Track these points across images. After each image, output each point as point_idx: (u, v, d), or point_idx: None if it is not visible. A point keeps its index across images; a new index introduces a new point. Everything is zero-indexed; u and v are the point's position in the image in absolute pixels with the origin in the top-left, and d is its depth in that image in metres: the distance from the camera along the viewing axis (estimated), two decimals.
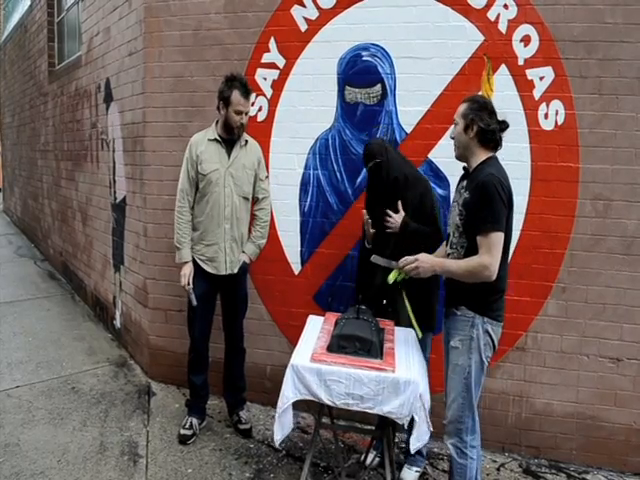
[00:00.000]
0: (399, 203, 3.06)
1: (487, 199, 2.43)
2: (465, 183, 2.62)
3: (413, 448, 2.52)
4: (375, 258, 2.83)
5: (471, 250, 2.51)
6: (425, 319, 3.08)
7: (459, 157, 2.67)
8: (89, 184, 6.02)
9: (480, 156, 2.58)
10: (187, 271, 3.44)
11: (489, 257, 2.42)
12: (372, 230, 3.14)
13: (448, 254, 2.70)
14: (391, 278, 2.74)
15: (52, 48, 7.88)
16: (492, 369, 3.56)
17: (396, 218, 3.05)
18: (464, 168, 2.71)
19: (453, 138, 2.67)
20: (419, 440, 2.50)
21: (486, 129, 2.53)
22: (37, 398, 3.99)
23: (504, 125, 2.60)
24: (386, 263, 2.78)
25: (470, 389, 2.56)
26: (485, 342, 2.56)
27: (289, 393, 2.54)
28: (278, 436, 2.58)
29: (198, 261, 3.47)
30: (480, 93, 3.43)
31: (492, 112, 2.57)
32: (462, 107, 2.61)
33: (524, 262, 3.48)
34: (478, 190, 2.46)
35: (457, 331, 2.61)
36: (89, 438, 3.50)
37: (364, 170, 3.66)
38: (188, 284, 3.43)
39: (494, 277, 2.45)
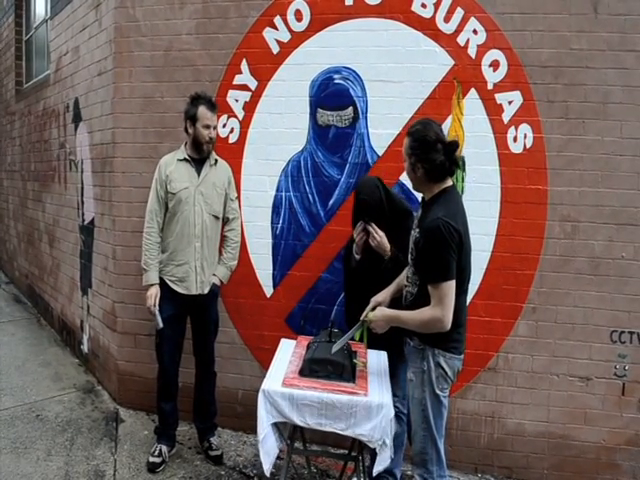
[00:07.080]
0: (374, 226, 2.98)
1: (435, 247, 2.33)
2: (420, 214, 2.54)
3: (375, 471, 2.50)
4: (334, 347, 2.68)
5: (422, 290, 2.44)
6: (396, 349, 2.95)
7: (416, 190, 2.61)
8: (56, 205, 5.91)
9: (433, 190, 2.47)
10: (154, 292, 3.38)
11: (441, 309, 2.33)
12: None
13: (405, 286, 2.62)
14: (357, 337, 2.74)
15: (20, 67, 7.76)
16: (464, 390, 3.58)
17: (382, 235, 2.93)
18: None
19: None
20: (380, 464, 2.47)
21: (431, 168, 2.41)
22: None
23: (453, 146, 2.43)
24: (346, 338, 2.70)
25: (429, 422, 2.46)
26: (437, 375, 2.44)
27: (264, 418, 2.49)
28: (267, 465, 2.48)
29: (168, 282, 3.42)
30: (448, 120, 3.48)
31: (434, 143, 2.38)
32: (405, 142, 2.48)
33: (495, 283, 3.52)
34: (425, 236, 2.37)
35: (411, 363, 2.56)
36: (54, 468, 3.39)
37: (336, 192, 3.68)
38: (154, 305, 3.37)
39: (448, 327, 2.35)
